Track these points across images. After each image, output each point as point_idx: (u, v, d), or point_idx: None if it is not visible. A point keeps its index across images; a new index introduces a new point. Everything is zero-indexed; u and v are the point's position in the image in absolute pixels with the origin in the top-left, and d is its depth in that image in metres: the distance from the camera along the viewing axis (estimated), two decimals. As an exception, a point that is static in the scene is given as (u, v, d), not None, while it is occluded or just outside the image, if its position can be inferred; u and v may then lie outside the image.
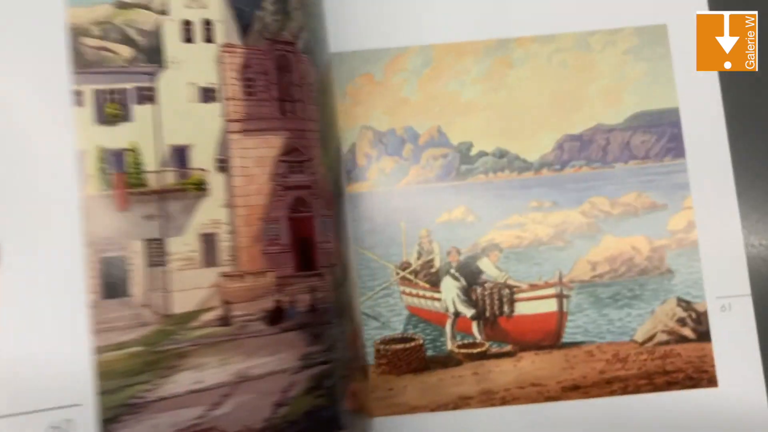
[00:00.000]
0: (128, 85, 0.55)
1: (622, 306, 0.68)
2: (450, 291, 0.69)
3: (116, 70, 0.55)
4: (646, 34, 0.70)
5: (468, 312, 0.68)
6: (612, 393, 0.65)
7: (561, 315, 0.67)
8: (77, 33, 0.55)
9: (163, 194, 0.55)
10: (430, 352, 0.67)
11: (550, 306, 0.67)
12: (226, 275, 0.56)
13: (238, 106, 0.58)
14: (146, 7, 0.57)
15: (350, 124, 0.71)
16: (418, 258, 0.70)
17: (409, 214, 0.70)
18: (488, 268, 0.68)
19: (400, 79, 0.71)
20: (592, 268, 0.69)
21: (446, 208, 0.69)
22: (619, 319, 0.67)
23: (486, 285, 0.69)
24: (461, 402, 0.65)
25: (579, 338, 0.67)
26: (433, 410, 0.65)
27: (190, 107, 0.56)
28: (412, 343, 0.67)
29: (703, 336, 0.66)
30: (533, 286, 0.68)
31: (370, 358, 0.67)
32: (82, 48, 0.55)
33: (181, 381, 0.53)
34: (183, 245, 0.55)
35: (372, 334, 0.68)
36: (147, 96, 0.55)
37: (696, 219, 0.68)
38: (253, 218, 0.57)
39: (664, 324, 0.67)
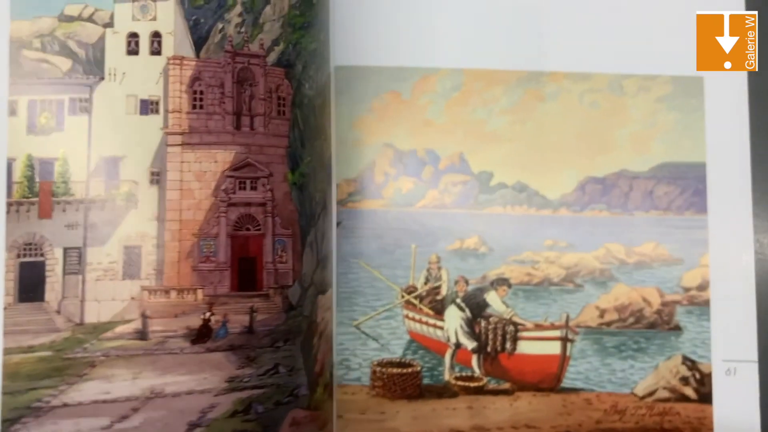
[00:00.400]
0: (64, 96, 0.56)
1: (626, 357, 0.66)
2: (453, 321, 0.68)
3: (53, 81, 0.56)
4: (681, 84, 0.69)
5: (469, 344, 0.67)
6: (606, 444, 0.64)
7: (563, 359, 0.66)
8: (18, 45, 0.56)
9: (87, 204, 0.55)
10: (426, 380, 0.66)
11: (554, 348, 0.66)
12: (147, 289, 0.55)
13: (182, 119, 0.58)
14: (90, 20, 0.57)
15: (372, 140, 0.69)
16: (425, 283, 0.69)
17: (420, 238, 0.68)
18: (495, 303, 0.67)
19: (427, 100, 0.70)
20: (599, 315, 0.67)
21: (459, 236, 0.68)
22: (622, 370, 0.66)
23: (491, 319, 0.67)
24: (452, 435, 0.64)
25: (579, 385, 0.66)
26: (422, 440, 0.64)
27: (127, 119, 0.56)
28: (410, 369, 0.66)
29: (705, 398, 0.65)
30: (538, 326, 0.67)
31: (366, 379, 0.66)
32: (21, 60, 0.56)
33: (88, 390, 0.53)
34: (104, 256, 0.55)
35: (370, 355, 0.66)
36: (82, 107, 0.56)
37: (711, 278, 0.67)
38: (185, 233, 0.57)
39: (666, 381, 0.66)
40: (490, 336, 0.67)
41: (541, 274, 0.68)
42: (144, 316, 0.55)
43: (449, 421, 0.64)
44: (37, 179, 0.56)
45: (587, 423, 0.64)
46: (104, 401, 0.53)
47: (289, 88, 0.60)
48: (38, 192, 0.56)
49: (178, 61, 0.58)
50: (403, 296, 0.68)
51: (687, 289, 0.67)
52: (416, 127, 0.70)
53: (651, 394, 0.65)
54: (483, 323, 0.67)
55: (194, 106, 0.58)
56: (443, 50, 0.70)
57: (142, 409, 0.53)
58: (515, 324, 0.67)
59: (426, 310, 0.69)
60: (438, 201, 0.69)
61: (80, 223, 0.55)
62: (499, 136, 0.69)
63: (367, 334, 0.67)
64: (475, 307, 0.68)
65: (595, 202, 0.69)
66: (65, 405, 0.52)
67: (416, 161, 0.69)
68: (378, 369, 0.66)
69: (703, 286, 0.67)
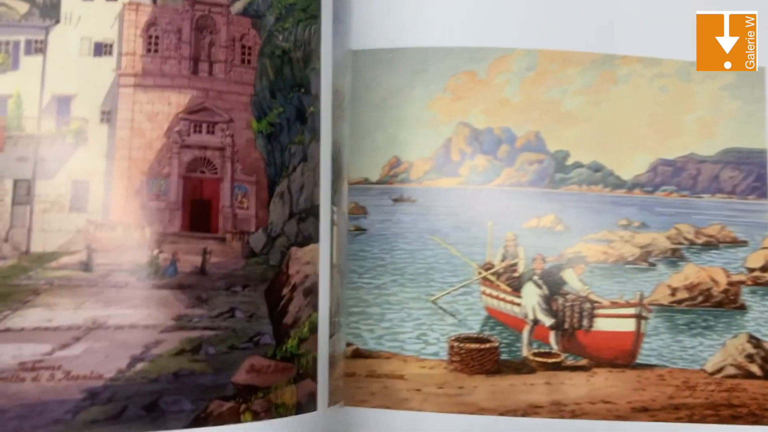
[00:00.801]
0: (20, 38, 0.58)
1: (696, 335, 0.68)
2: (531, 298, 0.69)
3: (10, 23, 0.58)
4: (743, 74, 0.71)
5: (547, 321, 0.68)
6: (678, 419, 0.65)
7: (638, 336, 0.67)
8: None
9: (38, 139, 0.57)
10: (504, 356, 0.67)
11: (629, 325, 0.67)
12: (94, 223, 0.56)
13: (135, 61, 0.59)
14: None
15: (448, 118, 0.70)
16: (502, 260, 0.69)
17: (496, 216, 0.69)
18: (572, 280, 0.68)
19: (503, 79, 0.70)
20: (671, 294, 0.69)
21: (536, 214, 0.69)
22: (692, 347, 0.68)
23: (568, 296, 0.68)
24: (530, 410, 0.65)
25: (652, 361, 0.67)
26: (501, 414, 0.65)
27: (80, 60, 0.58)
28: (488, 345, 0.66)
29: (769, 374, 0.68)
30: (614, 304, 0.68)
31: (444, 354, 0.66)
32: None
33: (31, 316, 0.53)
34: (52, 188, 0.56)
35: (447, 330, 0.67)
36: (37, 48, 0.57)
37: (773, 259, 0.69)
38: (134, 171, 0.58)
39: (733, 358, 0.68)
40: (568, 313, 0.68)
41: (616, 252, 0.69)
42: (89, 249, 0.56)
43: (528, 397, 0.65)
44: None
45: (660, 398, 0.66)
46: (46, 328, 0.53)
47: (257, 38, 0.60)
48: None
49: (133, 7, 0.59)
50: (480, 273, 0.69)
51: (751, 270, 0.70)
52: (492, 106, 0.70)
53: (719, 370, 0.67)
54: (560, 300, 0.68)
55: (149, 50, 0.59)
56: (519, 31, 0.71)
57: (84, 338, 0.54)
58: (592, 301, 0.68)
59: (503, 286, 0.69)
60: (514, 179, 0.70)
61: (30, 157, 0.57)
62: (574, 116, 0.70)
63: (444, 309, 0.67)
64: (553, 284, 0.68)
65: (666, 183, 0.70)
66: (8, 330, 0.53)
67: (492, 139, 0.70)
68: (456, 344, 0.66)
69: (765, 267, 0.69)
